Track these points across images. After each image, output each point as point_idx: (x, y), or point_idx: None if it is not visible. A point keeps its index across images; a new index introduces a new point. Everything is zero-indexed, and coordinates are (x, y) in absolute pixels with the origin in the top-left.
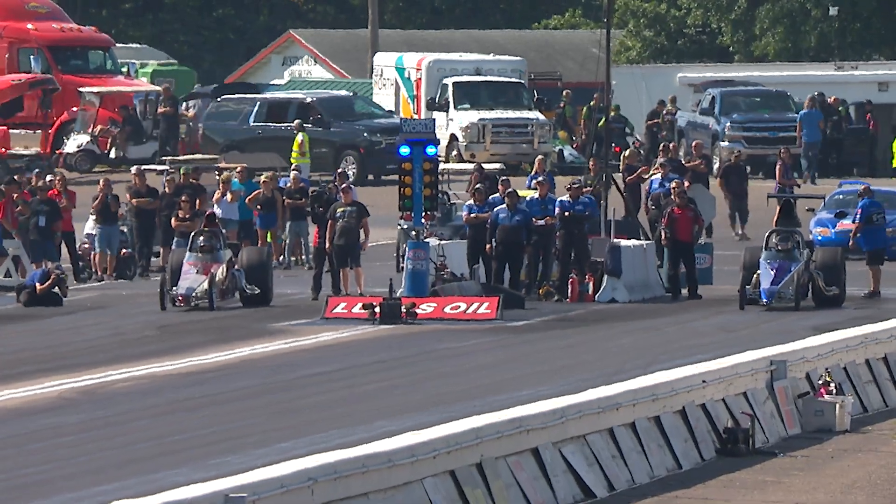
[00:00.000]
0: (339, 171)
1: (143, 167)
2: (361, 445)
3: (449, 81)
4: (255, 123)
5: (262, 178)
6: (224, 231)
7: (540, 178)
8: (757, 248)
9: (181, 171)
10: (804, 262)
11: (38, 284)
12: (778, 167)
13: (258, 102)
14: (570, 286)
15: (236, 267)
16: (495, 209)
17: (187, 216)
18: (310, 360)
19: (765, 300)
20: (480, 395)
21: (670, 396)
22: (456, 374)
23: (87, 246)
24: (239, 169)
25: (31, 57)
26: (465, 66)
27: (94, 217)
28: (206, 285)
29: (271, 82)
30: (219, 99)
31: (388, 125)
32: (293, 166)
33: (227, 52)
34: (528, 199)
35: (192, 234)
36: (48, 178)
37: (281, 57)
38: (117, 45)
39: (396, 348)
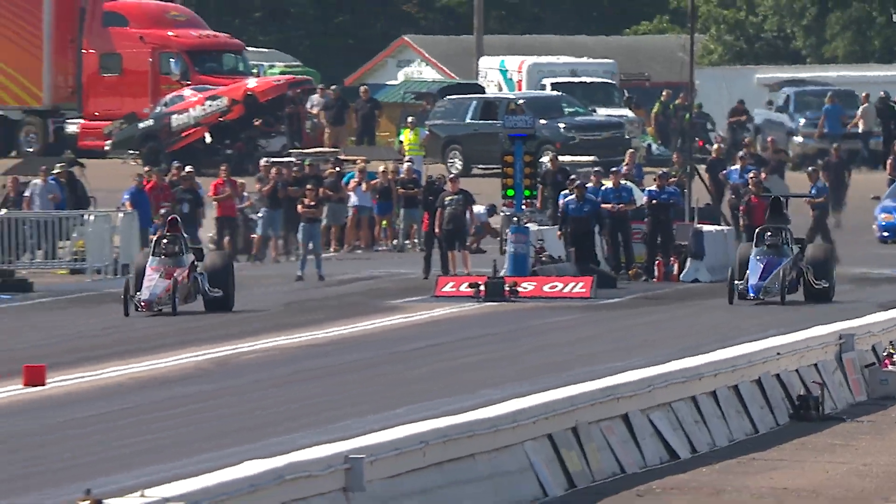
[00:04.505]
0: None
1: (274, 159)
2: (468, 412)
3: (547, 82)
4: (471, 121)
5: (381, 170)
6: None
7: (614, 169)
8: (750, 245)
9: (305, 163)
10: (792, 257)
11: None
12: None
13: (474, 102)
14: (656, 267)
15: (199, 270)
16: (565, 200)
17: (312, 203)
18: (421, 334)
19: (752, 294)
20: (575, 366)
21: (748, 367)
22: (553, 346)
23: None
24: (358, 161)
25: (172, 60)
26: (561, 68)
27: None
28: (168, 289)
29: (387, 83)
30: (444, 98)
31: (584, 122)
32: (406, 158)
33: (347, 56)
34: (603, 188)
35: (155, 238)
36: (187, 168)
37: (395, 60)
38: (248, 48)
39: (499, 324)
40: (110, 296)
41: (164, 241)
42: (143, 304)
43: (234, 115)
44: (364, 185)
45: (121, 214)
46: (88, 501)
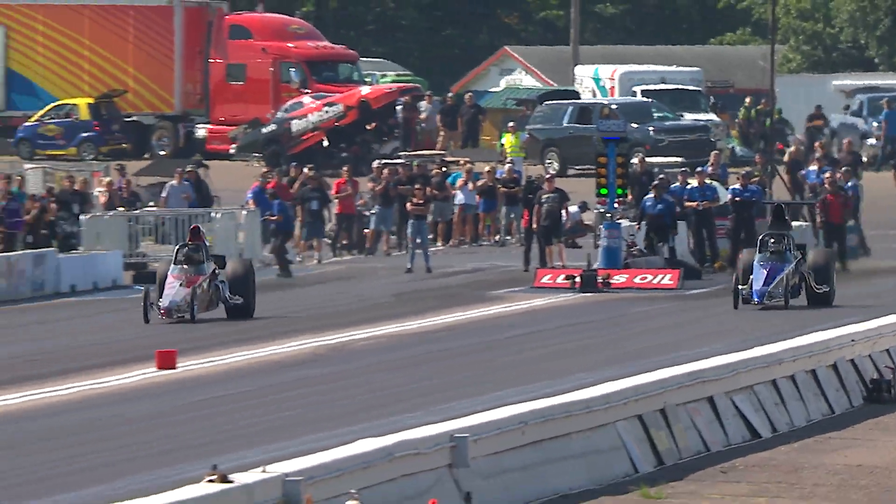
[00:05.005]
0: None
1: (386, 161)
2: (564, 394)
3: (638, 89)
4: (568, 125)
5: (486, 170)
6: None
7: (699, 169)
8: (753, 251)
9: (414, 164)
10: (795, 263)
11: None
12: None
13: (570, 107)
14: (739, 261)
15: (220, 278)
16: (644, 198)
17: (421, 201)
18: (521, 323)
19: (756, 300)
20: (664, 351)
21: (825, 353)
22: (643, 333)
23: (334, 227)
24: (463, 162)
25: (292, 70)
26: (651, 76)
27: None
28: (188, 298)
29: (490, 90)
30: (543, 104)
31: (672, 126)
32: (508, 159)
33: (453, 65)
34: (689, 186)
35: (177, 246)
36: (304, 170)
37: (498, 69)
38: (362, 59)
39: (593, 313)
40: None
41: (186, 249)
42: (162, 311)
43: (349, 121)
44: (470, 185)
45: (244, 212)
46: (215, 476)
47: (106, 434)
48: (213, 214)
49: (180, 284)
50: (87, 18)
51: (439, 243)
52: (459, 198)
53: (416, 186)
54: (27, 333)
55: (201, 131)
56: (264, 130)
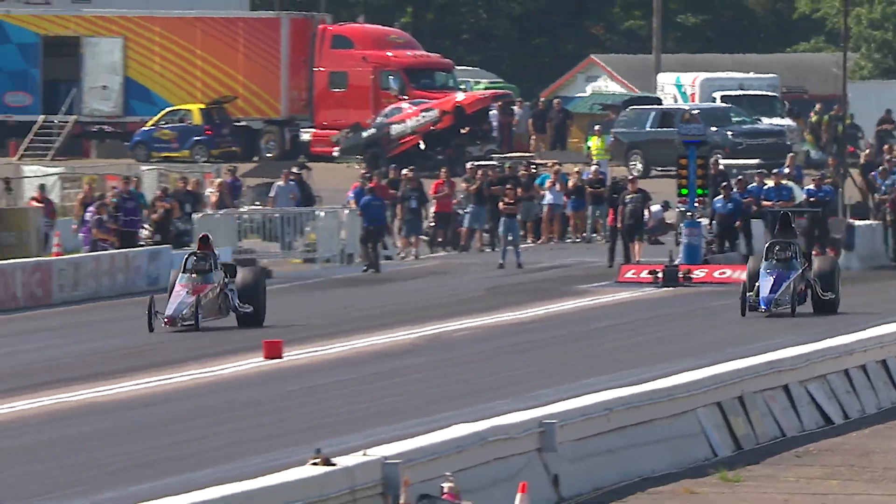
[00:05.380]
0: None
1: (479, 163)
2: (647, 382)
3: (717, 95)
4: (651, 129)
5: (575, 170)
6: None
7: (775, 171)
8: (760, 259)
9: (505, 166)
10: (801, 270)
11: None
12: None
13: (653, 112)
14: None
15: (230, 287)
16: (715, 199)
17: (511, 201)
18: (606, 315)
19: (763, 307)
20: (742, 342)
21: (895, 344)
22: (722, 325)
23: (432, 224)
24: (551, 164)
25: (391, 77)
26: (730, 83)
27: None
28: (192, 306)
29: (577, 95)
30: (627, 108)
31: (750, 130)
32: (594, 161)
33: (542, 73)
34: (766, 186)
35: (186, 255)
36: (403, 171)
37: (584, 76)
38: (457, 67)
39: (675, 306)
40: (338, 281)
41: (194, 258)
42: (166, 319)
43: (444, 125)
44: (558, 186)
45: (346, 211)
46: (319, 459)
47: (217, 419)
48: (316, 213)
49: (187, 293)
50: (200, 30)
51: (529, 240)
52: (548, 198)
53: (508, 187)
54: (143, 325)
55: (306, 135)
56: (365, 134)
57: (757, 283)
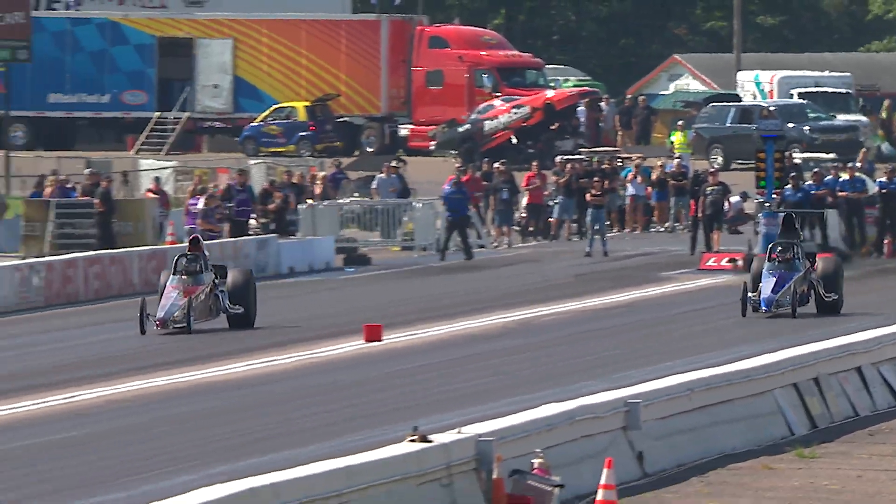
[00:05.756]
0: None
1: (567, 157)
2: (727, 364)
3: (794, 92)
4: (731, 124)
5: (658, 164)
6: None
7: (849, 164)
8: (763, 260)
9: (593, 160)
10: (803, 272)
11: None
12: None
13: (733, 109)
14: (885, 245)
15: (220, 288)
16: (784, 188)
17: (598, 193)
18: (688, 300)
19: (763, 308)
20: (817, 326)
21: None
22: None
23: (524, 215)
24: (635, 158)
25: (485, 76)
26: (806, 81)
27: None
28: (184, 308)
29: (660, 93)
30: (709, 105)
31: (825, 126)
32: (676, 155)
33: (627, 72)
34: (841, 179)
35: (176, 257)
36: (495, 164)
37: (668, 74)
38: (547, 66)
39: None
40: (433, 269)
41: (184, 260)
42: (157, 322)
43: (534, 121)
44: (639, 178)
45: (441, 203)
46: (416, 437)
47: (320, 399)
48: (413, 204)
49: (178, 295)
50: (305, 31)
51: (615, 230)
52: (630, 190)
53: (595, 179)
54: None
55: (404, 131)
56: (460, 130)
57: (760, 284)
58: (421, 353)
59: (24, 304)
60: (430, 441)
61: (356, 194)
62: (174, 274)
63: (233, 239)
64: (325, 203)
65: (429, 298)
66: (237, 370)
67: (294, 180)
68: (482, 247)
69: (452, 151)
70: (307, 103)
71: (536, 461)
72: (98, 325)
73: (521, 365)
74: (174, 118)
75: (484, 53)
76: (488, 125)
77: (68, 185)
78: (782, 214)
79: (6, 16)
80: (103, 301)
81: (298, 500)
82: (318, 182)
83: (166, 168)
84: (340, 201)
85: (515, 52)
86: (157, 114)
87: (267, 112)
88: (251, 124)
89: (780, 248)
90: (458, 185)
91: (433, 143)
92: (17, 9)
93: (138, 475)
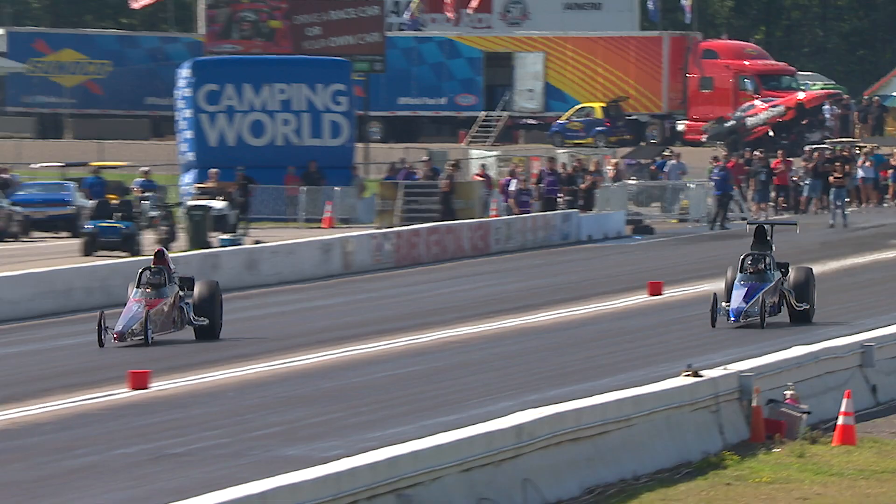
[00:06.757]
0: None
1: (815, 146)
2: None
3: None
4: None
5: (893, 151)
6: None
7: None
8: (736, 270)
9: (836, 149)
10: (774, 282)
11: None
12: None
13: None
14: None
15: (185, 300)
16: None
17: (840, 175)
18: None
19: (732, 318)
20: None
21: None
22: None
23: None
24: (869, 147)
25: (747, 81)
26: None
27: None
28: (142, 321)
29: (893, 94)
30: None
31: None
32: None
33: (865, 76)
34: None
35: (140, 269)
36: (755, 152)
37: None
38: (798, 72)
39: None
40: (704, 237)
41: (148, 272)
42: (115, 335)
43: (788, 117)
44: (868, 163)
45: (711, 183)
46: (690, 372)
47: (614, 341)
48: (688, 185)
49: (138, 308)
50: (602, 46)
51: (853, 206)
52: (860, 173)
53: (837, 164)
54: (555, 269)
55: (681, 126)
56: (726, 125)
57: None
58: (694, 305)
59: (378, 266)
60: (701, 376)
61: (634, 178)
62: (138, 287)
63: (542, 213)
64: (617, 184)
65: (701, 260)
66: (551, 318)
67: (591, 168)
68: (744, 219)
69: (720, 142)
70: (603, 104)
71: (788, 392)
72: (436, 282)
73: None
74: (497, 116)
75: (747, 63)
76: (750, 121)
77: (411, 171)
78: (754, 226)
79: (366, 35)
80: (440, 263)
81: (596, 422)
82: (611, 167)
83: (490, 156)
84: (629, 182)
85: (772, 62)
86: (484, 113)
87: (570, 111)
88: (558, 121)
89: (751, 259)
90: (724, 169)
91: (705, 135)
92: (373, 30)
93: (470, 401)
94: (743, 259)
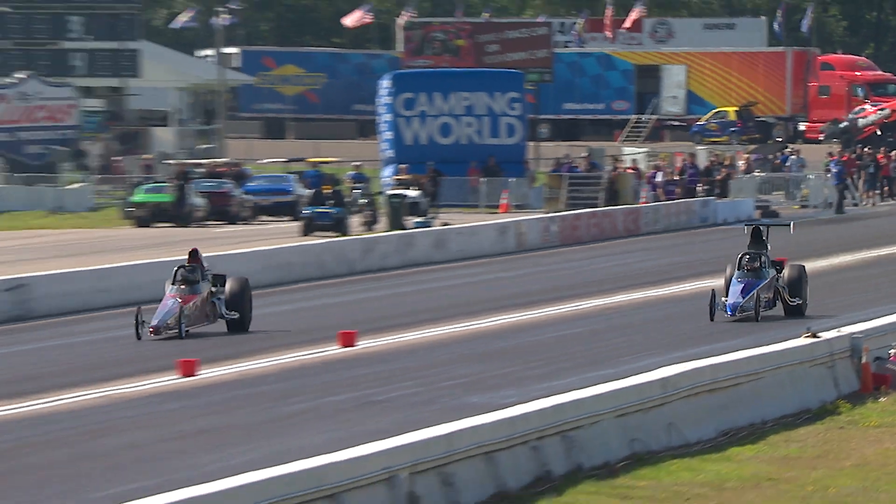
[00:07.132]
0: None
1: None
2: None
3: None
4: None
5: None
6: None
7: None
8: (734, 268)
9: None
10: (769, 279)
11: None
12: None
13: None
14: None
15: (218, 296)
16: None
17: None
18: None
19: (728, 313)
20: None
21: None
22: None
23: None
24: None
25: (858, 89)
26: None
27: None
28: (176, 316)
29: None
30: None
31: None
32: None
33: None
34: None
35: (175, 268)
36: (865, 149)
37: None
38: None
39: None
40: (822, 220)
41: (183, 270)
42: (151, 328)
43: (893, 119)
44: None
45: (828, 175)
46: (809, 334)
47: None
48: (807, 176)
49: (173, 303)
50: (735, 60)
51: None
52: None
53: None
54: (695, 248)
55: (802, 126)
56: (841, 126)
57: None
58: (814, 278)
59: (546, 245)
60: (819, 337)
61: (757, 171)
62: (173, 284)
63: (685, 200)
64: (747, 176)
65: (818, 242)
66: (691, 287)
67: (725, 162)
68: (856, 205)
69: (835, 141)
70: (736, 108)
71: (892, 351)
72: (595, 258)
73: (879, 281)
74: (646, 119)
75: (858, 73)
76: (861, 122)
77: (573, 164)
78: (750, 227)
79: (536, 52)
80: (598, 242)
81: (729, 375)
82: (743, 161)
83: (640, 153)
84: (757, 174)
85: (880, 72)
86: (635, 116)
87: (709, 114)
88: (698, 123)
89: (747, 257)
90: (840, 163)
91: (822, 135)
92: (543, 47)
93: (623, 357)
94: (740, 258)
